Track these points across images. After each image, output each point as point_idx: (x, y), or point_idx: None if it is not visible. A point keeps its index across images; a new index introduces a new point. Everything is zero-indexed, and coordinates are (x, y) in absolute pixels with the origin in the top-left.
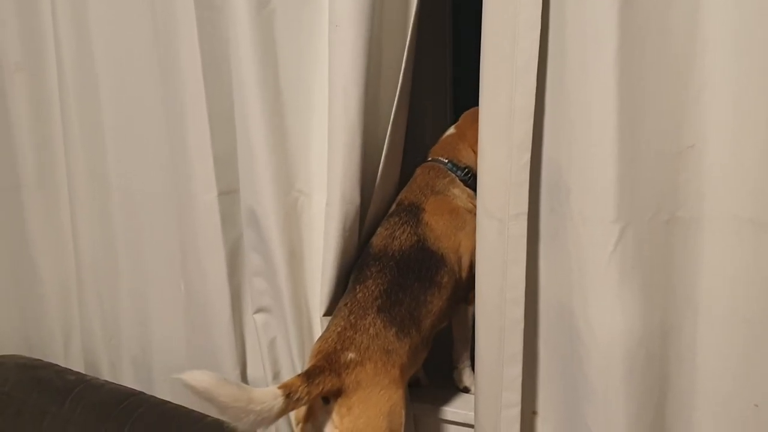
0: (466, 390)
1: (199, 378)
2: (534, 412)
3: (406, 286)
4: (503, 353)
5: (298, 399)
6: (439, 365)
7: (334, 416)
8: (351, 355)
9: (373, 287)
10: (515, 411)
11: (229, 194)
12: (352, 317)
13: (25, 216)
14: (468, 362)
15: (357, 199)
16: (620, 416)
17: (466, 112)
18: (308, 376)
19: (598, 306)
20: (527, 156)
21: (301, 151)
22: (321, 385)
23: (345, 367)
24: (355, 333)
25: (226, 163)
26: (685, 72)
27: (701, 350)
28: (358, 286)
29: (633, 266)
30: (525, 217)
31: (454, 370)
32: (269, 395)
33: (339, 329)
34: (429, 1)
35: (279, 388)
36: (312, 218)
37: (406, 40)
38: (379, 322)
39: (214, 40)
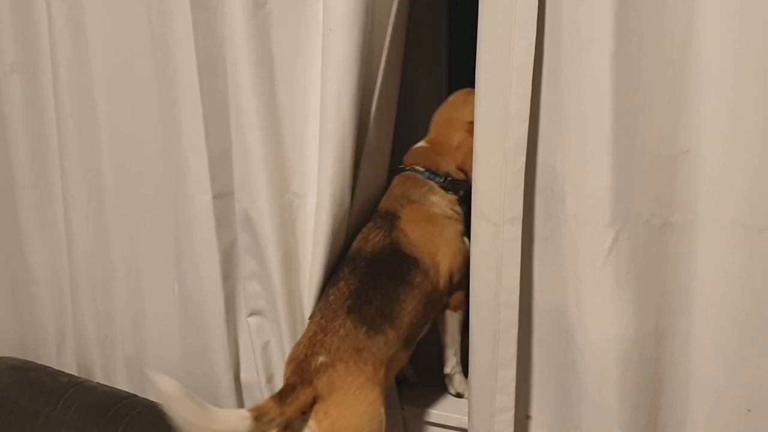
0: (459, 396)
1: (169, 385)
2: (528, 416)
3: (376, 284)
4: (497, 357)
5: (270, 421)
6: (431, 368)
7: (311, 422)
8: (321, 359)
9: (344, 288)
10: (509, 415)
11: (224, 197)
12: (323, 321)
13: (19, 216)
14: (458, 368)
15: (347, 203)
16: (614, 420)
17: (436, 118)
18: (280, 396)
19: (593, 310)
20: (522, 160)
21: (296, 154)
22: (294, 403)
23: (316, 373)
24: (326, 336)
25: (221, 165)
26: (680, 76)
27: (695, 354)
28: (330, 289)
29: (627, 270)
30: (520, 221)
31: (446, 377)
32: (234, 417)
33: (310, 334)
34: (425, 5)
35: (249, 410)
36: (307, 221)
37: (394, 43)
38: (349, 322)
39: (209, 41)
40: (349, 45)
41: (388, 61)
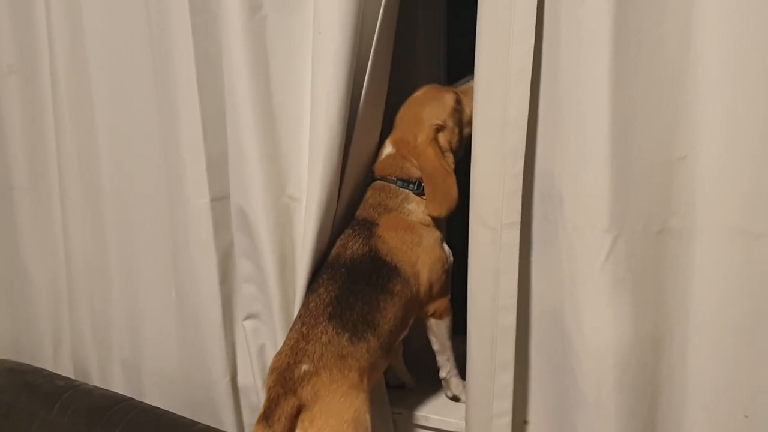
0: (455, 399)
1: None
2: (525, 421)
3: (356, 291)
4: (495, 361)
5: None
6: (429, 373)
7: (297, 431)
8: (305, 367)
9: (324, 295)
10: (506, 420)
11: (221, 200)
12: (304, 328)
13: (16, 218)
14: (454, 371)
15: (334, 204)
16: (611, 424)
17: (402, 114)
18: (266, 417)
19: (590, 314)
20: (520, 164)
21: (291, 157)
22: (282, 419)
23: (300, 382)
24: (308, 343)
25: (219, 168)
26: (677, 82)
27: (692, 360)
28: (310, 296)
29: (625, 275)
30: (518, 226)
31: (442, 381)
32: None
33: (292, 342)
34: (425, 8)
35: None
36: (302, 224)
37: (381, 45)
38: (330, 329)
39: (208, 44)
40: (339, 47)
41: (374, 62)
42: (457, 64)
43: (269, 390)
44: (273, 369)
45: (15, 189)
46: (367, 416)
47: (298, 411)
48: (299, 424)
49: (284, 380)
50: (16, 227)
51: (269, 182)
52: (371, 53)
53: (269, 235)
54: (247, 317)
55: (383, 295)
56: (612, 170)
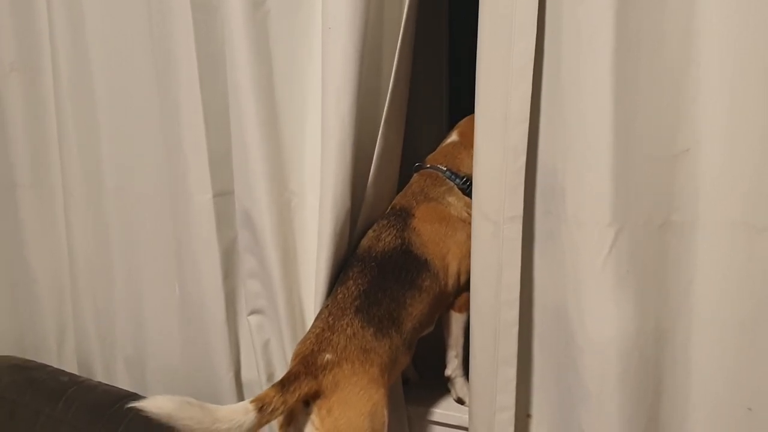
0: (460, 401)
1: (161, 404)
2: (528, 415)
3: (385, 287)
4: (497, 356)
5: (273, 410)
6: (433, 367)
7: (314, 418)
8: (328, 356)
9: (353, 288)
10: (509, 414)
11: (224, 195)
12: (330, 319)
13: (19, 215)
14: (459, 371)
15: (348, 203)
16: (614, 419)
17: (467, 118)
18: (282, 384)
19: (593, 309)
20: (522, 159)
21: (294, 152)
22: (297, 392)
23: (322, 369)
24: (333, 334)
25: (221, 164)
26: (679, 76)
27: (695, 354)
28: (339, 288)
29: (628, 270)
30: (520, 220)
31: (448, 380)
32: (239, 411)
33: (318, 331)
34: (425, 6)
35: (251, 402)
36: (305, 220)
37: (405, 43)
38: (356, 322)
39: (209, 40)
40: (348, 43)
41: (399, 61)
42: (459, 62)
43: (291, 368)
44: (296, 354)
45: (18, 186)
46: (385, 411)
47: (314, 395)
48: (316, 411)
49: (307, 363)
50: (19, 224)
51: (272, 178)
52: (396, 50)
53: (272, 231)
54: (252, 312)
55: (411, 292)
56: (614, 165)
